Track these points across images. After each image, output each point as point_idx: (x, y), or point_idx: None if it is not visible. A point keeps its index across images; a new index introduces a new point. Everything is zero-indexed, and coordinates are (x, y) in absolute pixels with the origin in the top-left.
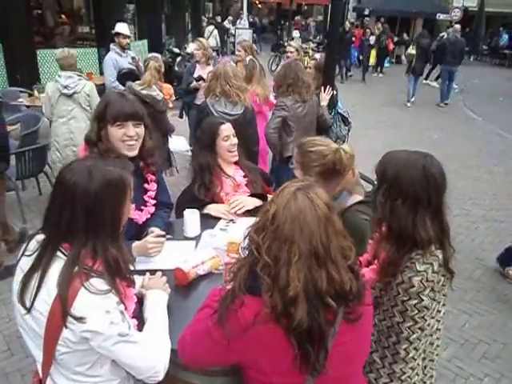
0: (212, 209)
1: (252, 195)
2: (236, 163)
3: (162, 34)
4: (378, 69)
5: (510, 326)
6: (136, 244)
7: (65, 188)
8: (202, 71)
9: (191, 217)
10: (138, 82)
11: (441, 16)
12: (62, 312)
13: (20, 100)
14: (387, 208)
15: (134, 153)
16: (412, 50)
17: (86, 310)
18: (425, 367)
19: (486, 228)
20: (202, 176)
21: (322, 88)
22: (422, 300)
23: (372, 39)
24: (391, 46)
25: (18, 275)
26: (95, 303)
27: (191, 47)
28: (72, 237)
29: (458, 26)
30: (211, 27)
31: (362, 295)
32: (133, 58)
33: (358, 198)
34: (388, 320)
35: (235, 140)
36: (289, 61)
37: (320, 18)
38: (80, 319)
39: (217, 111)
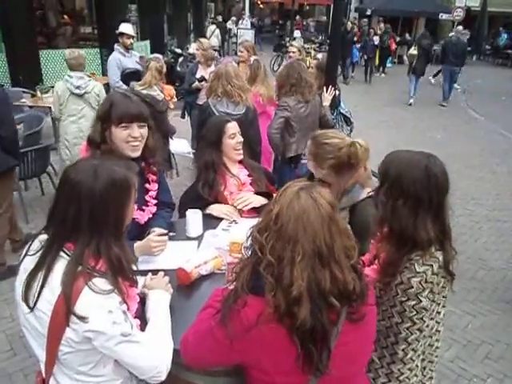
0: (214, 209)
1: (257, 193)
2: (240, 162)
3: (164, 34)
4: (381, 69)
5: None
6: (138, 244)
7: (70, 186)
8: (204, 71)
9: (193, 217)
10: (138, 82)
11: (443, 16)
12: (65, 311)
13: (23, 100)
14: (388, 208)
15: (138, 154)
16: (414, 51)
17: (88, 309)
18: (424, 368)
19: (489, 228)
20: (207, 174)
21: (324, 88)
22: (421, 301)
23: (376, 39)
24: (393, 46)
25: (22, 275)
26: (98, 303)
27: (193, 47)
28: (77, 235)
29: (460, 28)
30: (213, 27)
31: (366, 295)
32: (141, 58)
33: (371, 191)
34: (387, 320)
35: (241, 138)
36: (291, 61)
37: (324, 18)
38: (83, 318)
39: (218, 111)
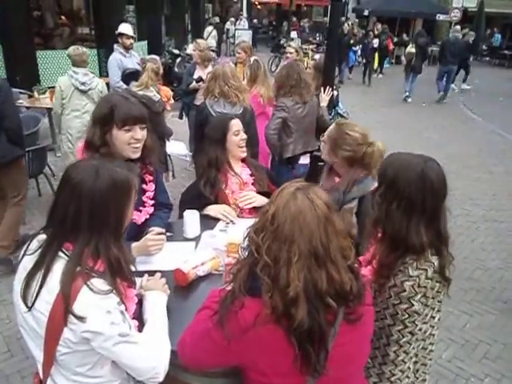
0: (211, 210)
1: (259, 193)
2: (243, 161)
3: (161, 35)
4: (378, 69)
5: (511, 326)
6: (135, 244)
7: (71, 186)
8: (202, 72)
9: (191, 218)
10: (135, 83)
11: (440, 17)
12: (63, 310)
13: (20, 101)
14: (383, 209)
15: (138, 155)
16: (412, 49)
17: (86, 309)
18: (417, 371)
19: (486, 228)
20: (209, 172)
21: (322, 89)
22: (413, 305)
23: (376, 42)
24: (391, 47)
25: (21, 274)
26: (96, 303)
27: (191, 48)
28: (76, 234)
29: (458, 27)
30: (210, 28)
31: (363, 295)
32: (142, 59)
33: None
34: (380, 321)
35: (245, 135)
36: (290, 61)
37: (320, 18)
38: (81, 318)
39: (216, 112)
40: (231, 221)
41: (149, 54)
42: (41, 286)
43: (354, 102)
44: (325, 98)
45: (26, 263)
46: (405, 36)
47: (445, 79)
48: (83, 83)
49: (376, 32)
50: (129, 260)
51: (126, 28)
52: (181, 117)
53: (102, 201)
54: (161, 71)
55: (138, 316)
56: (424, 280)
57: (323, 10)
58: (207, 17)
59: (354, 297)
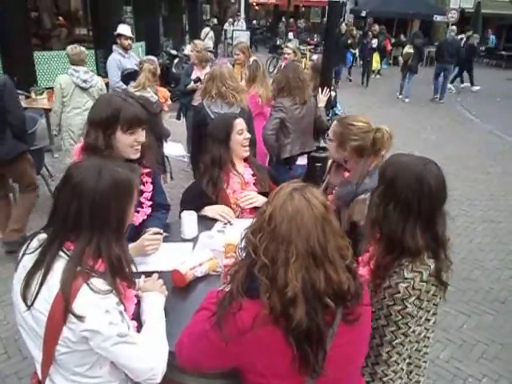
0: (209, 210)
1: (261, 193)
2: (245, 160)
3: (159, 35)
4: (377, 70)
5: (508, 326)
6: (132, 245)
7: (73, 184)
8: (200, 73)
9: (189, 218)
10: (132, 84)
11: (437, 18)
12: (63, 309)
13: None
14: (381, 210)
15: (138, 155)
16: (410, 50)
17: (85, 308)
18: (410, 372)
19: (483, 229)
20: (212, 171)
21: (320, 89)
22: (406, 307)
23: (375, 42)
24: (389, 47)
25: (21, 273)
26: (95, 303)
27: (188, 49)
28: (78, 233)
29: (454, 28)
30: (207, 29)
31: (360, 295)
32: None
33: None
34: (374, 321)
35: (248, 135)
36: (289, 62)
37: (321, 19)
38: (80, 318)
39: (213, 112)
40: (229, 221)
41: (146, 54)
42: (41, 285)
43: (352, 102)
44: (322, 99)
45: (26, 262)
46: (402, 37)
47: (441, 78)
48: (85, 81)
49: (374, 32)
50: (130, 260)
51: (124, 29)
52: (178, 118)
53: (104, 200)
54: (158, 72)
55: (137, 317)
56: (419, 282)
57: (321, 10)
58: (205, 18)
59: (351, 297)
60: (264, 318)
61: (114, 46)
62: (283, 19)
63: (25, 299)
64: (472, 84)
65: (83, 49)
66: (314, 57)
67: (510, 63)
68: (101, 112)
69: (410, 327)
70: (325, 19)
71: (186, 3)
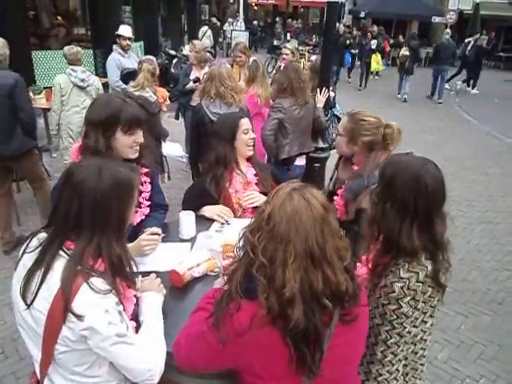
0: (207, 210)
1: (263, 193)
2: (248, 160)
3: (158, 35)
4: (377, 71)
5: (506, 327)
6: (130, 245)
7: (74, 184)
8: (198, 73)
9: (186, 219)
10: (131, 84)
11: (436, 19)
12: (63, 308)
13: None
14: (379, 209)
15: (137, 155)
16: (406, 52)
17: (85, 308)
18: (406, 374)
19: (481, 230)
20: (216, 170)
21: (318, 90)
22: (401, 306)
23: (374, 43)
24: (387, 49)
25: (20, 272)
26: (95, 302)
27: (187, 49)
28: (79, 232)
29: (448, 30)
30: (205, 28)
31: (358, 296)
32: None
33: None
34: (370, 320)
35: (254, 134)
36: (290, 63)
37: (319, 20)
38: (79, 317)
39: (211, 112)
40: (226, 221)
41: (145, 54)
42: (41, 284)
43: (351, 103)
44: (321, 99)
45: (26, 261)
46: (401, 38)
47: (439, 79)
48: (82, 80)
49: (373, 34)
50: (130, 260)
51: (123, 30)
52: (177, 117)
53: (105, 200)
54: (157, 72)
55: (135, 317)
56: (414, 283)
57: (320, 11)
58: (204, 18)
59: (349, 297)
60: (262, 319)
61: (114, 46)
62: (277, 19)
63: (24, 298)
64: (473, 87)
65: (79, 48)
66: (313, 57)
67: (508, 64)
68: (100, 112)
69: (405, 327)
70: (320, 20)
71: (185, 3)
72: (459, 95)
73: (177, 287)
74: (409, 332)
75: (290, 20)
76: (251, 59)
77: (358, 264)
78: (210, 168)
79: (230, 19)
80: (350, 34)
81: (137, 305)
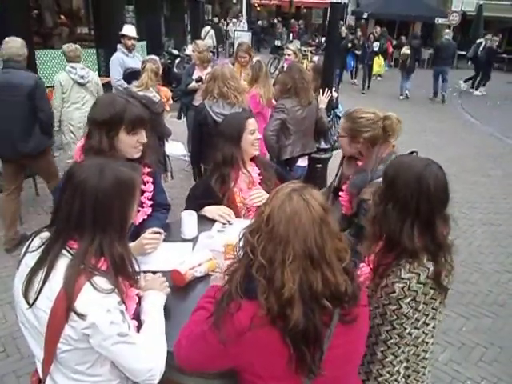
0: (208, 211)
1: (268, 192)
2: (252, 160)
3: (161, 35)
4: (379, 72)
5: (507, 329)
6: (132, 244)
7: (75, 183)
8: (201, 73)
9: (188, 218)
10: (135, 83)
11: (439, 20)
12: (65, 308)
13: None
14: (381, 209)
15: (139, 154)
16: (406, 50)
17: (87, 307)
18: (408, 376)
19: (483, 232)
20: (222, 169)
21: (321, 90)
22: (401, 307)
23: (376, 45)
24: (390, 50)
25: (22, 271)
26: (97, 301)
27: (190, 49)
28: (81, 231)
29: (448, 31)
30: (207, 27)
31: (358, 296)
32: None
33: None
34: (371, 320)
35: (259, 135)
36: (294, 64)
37: (322, 21)
38: (81, 316)
39: (214, 112)
40: (228, 221)
41: (148, 54)
42: (43, 283)
43: (353, 104)
44: (323, 100)
45: (28, 260)
46: (403, 39)
47: (440, 79)
48: (82, 76)
49: (376, 35)
50: (132, 259)
51: (128, 29)
52: (179, 117)
53: (107, 199)
54: (160, 72)
55: (138, 316)
56: (415, 284)
57: (322, 12)
58: (207, 18)
59: (349, 298)
60: (261, 319)
61: (119, 45)
62: (275, 20)
63: (26, 297)
64: (477, 88)
65: (78, 46)
66: (315, 58)
67: (511, 66)
68: (103, 112)
69: (405, 328)
70: (323, 20)
71: (188, 3)
72: (462, 96)
73: (178, 287)
74: (409, 333)
75: (292, 20)
76: (254, 59)
77: (361, 264)
78: (215, 167)
79: (234, 19)
80: (354, 34)
81: (139, 304)
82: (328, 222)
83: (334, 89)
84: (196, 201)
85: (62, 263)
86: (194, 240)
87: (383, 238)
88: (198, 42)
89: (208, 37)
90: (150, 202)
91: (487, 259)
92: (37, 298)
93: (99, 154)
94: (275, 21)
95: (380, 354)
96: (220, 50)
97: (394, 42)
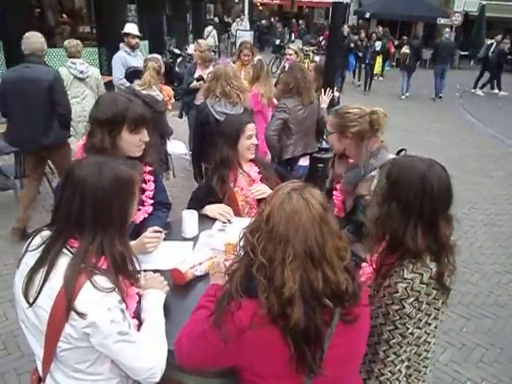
0: (208, 210)
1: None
2: (251, 160)
3: (163, 34)
4: (379, 72)
5: (508, 330)
6: (132, 243)
7: (75, 181)
8: (203, 72)
9: (189, 217)
10: (137, 82)
11: (441, 20)
12: (65, 306)
13: None
14: (384, 209)
15: (141, 153)
16: (406, 50)
17: (87, 306)
18: (409, 376)
19: (484, 232)
20: (221, 169)
21: (322, 90)
22: (404, 307)
23: (378, 45)
24: (392, 50)
25: (23, 270)
26: (97, 300)
27: (192, 48)
28: (81, 231)
29: (448, 30)
30: (210, 27)
31: (359, 296)
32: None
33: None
34: (373, 319)
35: (256, 141)
36: (295, 63)
37: (324, 20)
38: (82, 315)
39: (216, 111)
40: (228, 220)
41: (150, 53)
42: (44, 282)
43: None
44: (325, 100)
45: (29, 259)
46: (405, 39)
47: (439, 77)
48: (81, 71)
49: (378, 35)
50: (133, 257)
51: (131, 28)
52: (181, 116)
53: (106, 197)
54: (162, 70)
55: (138, 315)
56: (418, 284)
57: (324, 11)
58: (209, 17)
59: (349, 297)
60: (262, 318)
61: (121, 44)
62: (274, 20)
63: (26, 296)
64: (481, 88)
65: (79, 41)
66: (317, 58)
67: None
68: (106, 111)
69: (408, 328)
70: (325, 20)
71: (190, 2)
72: (463, 97)
73: (179, 285)
74: (412, 333)
75: (294, 20)
76: (256, 58)
77: (364, 264)
78: (215, 167)
79: (237, 19)
80: (357, 35)
81: (139, 302)
82: (328, 221)
83: (335, 88)
84: (199, 203)
85: (63, 262)
86: (195, 239)
87: (386, 238)
88: (200, 41)
89: (210, 36)
90: (151, 201)
91: (488, 260)
92: (37, 296)
93: (101, 152)
94: (272, 20)
95: (382, 353)
96: (223, 49)
97: (396, 42)
